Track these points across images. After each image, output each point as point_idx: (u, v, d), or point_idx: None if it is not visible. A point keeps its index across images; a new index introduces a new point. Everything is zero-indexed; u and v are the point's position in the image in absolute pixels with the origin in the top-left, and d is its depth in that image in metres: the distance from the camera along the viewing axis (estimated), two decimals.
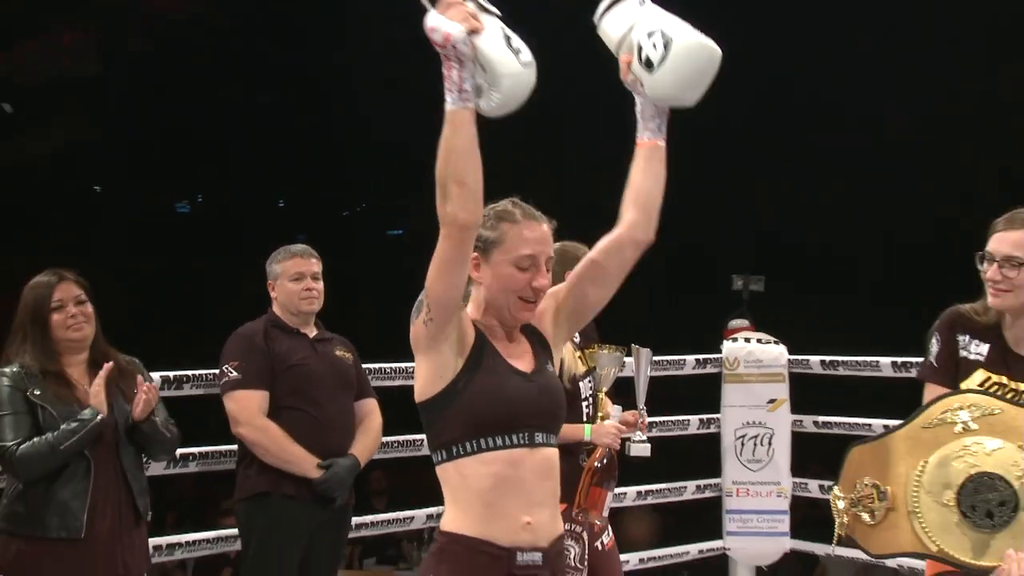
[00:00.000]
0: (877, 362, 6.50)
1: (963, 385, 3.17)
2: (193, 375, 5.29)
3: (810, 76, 14.64)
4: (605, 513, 4.74)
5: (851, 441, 3.07)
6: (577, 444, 4.63)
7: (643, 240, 3.10)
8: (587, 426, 4.68)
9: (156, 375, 4.75)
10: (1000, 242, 3.08)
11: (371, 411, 5.12)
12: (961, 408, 2.94)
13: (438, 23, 2.74)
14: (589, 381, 4.84)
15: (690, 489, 6.88)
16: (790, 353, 6.82)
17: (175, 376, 5.21)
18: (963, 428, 2.92)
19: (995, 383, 3.08)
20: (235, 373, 4.73)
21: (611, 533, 5.01)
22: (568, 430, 4.31)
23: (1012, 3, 12.08)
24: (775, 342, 6.82)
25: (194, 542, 5.63)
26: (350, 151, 17.18)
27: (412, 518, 6.00)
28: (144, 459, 4.47)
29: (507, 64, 2.78)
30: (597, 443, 4.65)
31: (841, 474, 3.00)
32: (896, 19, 14.18)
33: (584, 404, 4.80)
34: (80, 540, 4.10)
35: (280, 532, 4.73)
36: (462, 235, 2.82)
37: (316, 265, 4.97)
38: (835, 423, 6.75)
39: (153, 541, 4.89)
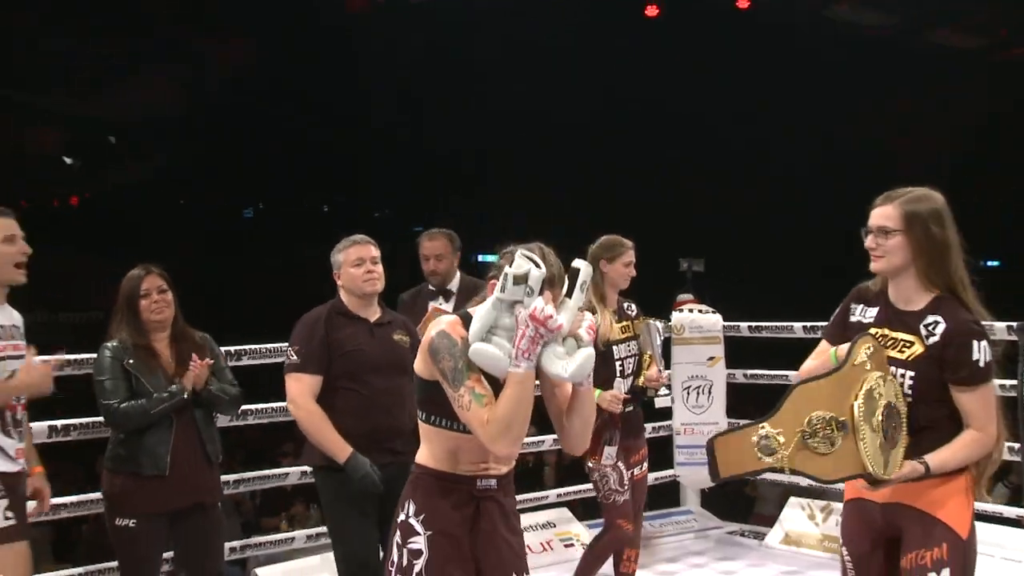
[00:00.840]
0: (791, 326, 6.54)
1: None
2: (250, 349, 5.40)
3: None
4: (606, 460, 4.81)
5: (788, 386, 2.91)
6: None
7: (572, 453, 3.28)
8: (597, 391, 4.47)
9: (223, 348, 4.79)
10: (875, 216, 3.00)
11: None
12: (863, 347, 2.89)
13: (552, 312, 2.72)
14: (627, 346, 4.85)
15: (648, 430, 6.85)
16: (724, 320, 6.85)
17: (236, 350, 5.28)
18: (869, 365, 2.87)
19: (879, 335, 2.99)
20: (295, 357, 4.32)
21: (645, 467, 5.16)
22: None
23: None
24: (713, 312, 6.86)
25: (258, 478, 5.77)
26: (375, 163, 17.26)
27: None
28: (214, 414, 4.57)
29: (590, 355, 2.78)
30: (600, 405, 4.51)
31: (778, 411, 2.80)
32: None
33: (617, 364, 4.81)
34: (165, 476, 4.25)
35: (349, 500, 4.29)
36: (494, 452, 2.86)
37: (375, 250, 4.44)
38: (761, 375, 6.90)
39: (224, 477, 5.02)
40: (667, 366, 5.28)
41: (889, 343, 2.97)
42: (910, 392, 2.93)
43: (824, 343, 3.19)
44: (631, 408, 4.97)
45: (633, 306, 5.04)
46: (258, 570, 5.69)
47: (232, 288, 15.97)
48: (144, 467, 4.21)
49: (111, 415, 4.24)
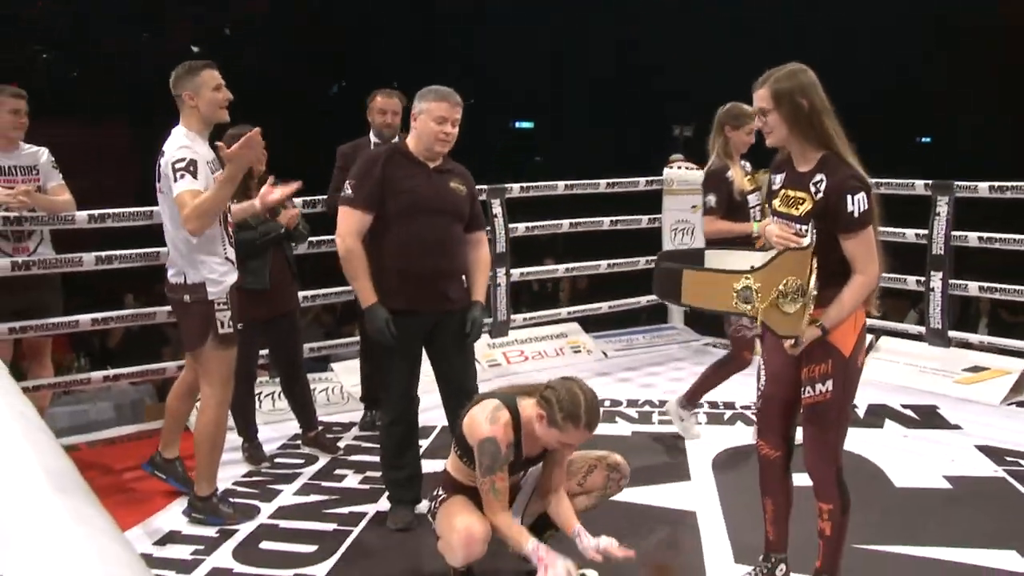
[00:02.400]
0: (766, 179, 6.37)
1: (767, 206, 3.03)
2: (319, 199, 5.31)
3: None
4: None
5: (777, 252, 2.76)
6: (748, 235, 4.38)
7: None
8: (755, 223, 4.41)
9: (302, 198, 4.77)
10: (755, 100, 2.86)
11: (480, 242, 3.84)
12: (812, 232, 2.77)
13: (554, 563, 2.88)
14: (755, 196, 4.54)
15: (641, 262, 6.86)
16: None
17: (311, 199, 5.24)
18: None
19: (784, 195, 2.89)
20: (349, 191, 3.64)
21: None
22: (738, 226, 4.44)
23: None
24: (698, 168, 6.74)
25: (333, 293, 5.83)
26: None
27: None
28: (293, 245, 4.60)
29: None
30: (761, 234, 4.33)
31: (765, 270, 2.70)
32: None
33: (751, 211, 4.53)
34: (265, 290, 4.35)
35: (395, 334, 3.61)
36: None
37: (459, 112, 3.66)
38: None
39: (308, 293, 5.26)
40: None
41: (789, 202, 2.84)
42: None
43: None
44: None
45: (747, 164, 4.67)
46: (334, 364, 5.87)
47: (318, 150, 15.98)
48: (249, 283, 4.24)
49: None
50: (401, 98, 4.85)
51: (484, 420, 2.99)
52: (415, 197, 3.61)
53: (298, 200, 4.75)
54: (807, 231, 2.78)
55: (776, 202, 2.92)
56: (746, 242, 4.29)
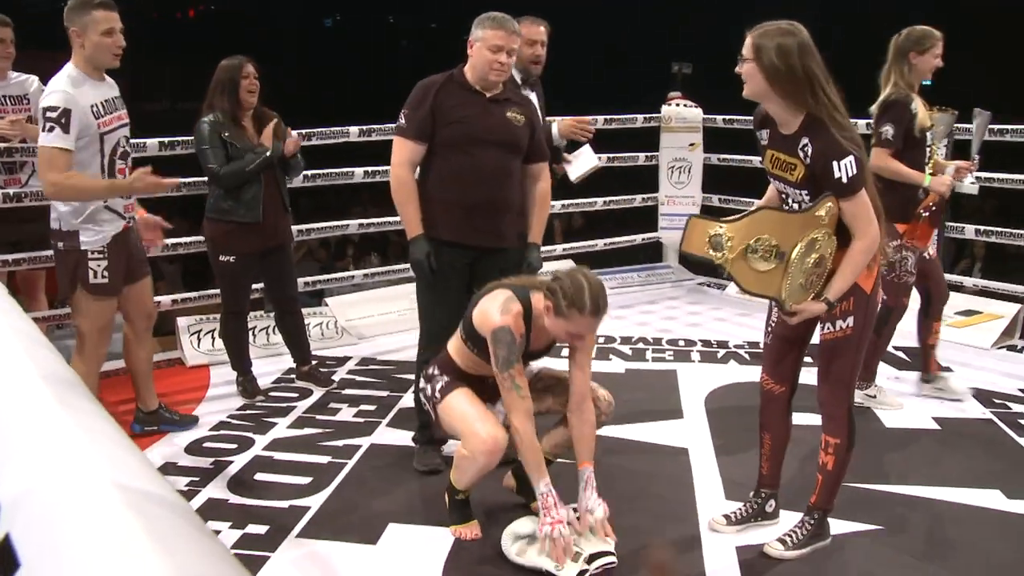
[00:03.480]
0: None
1: (763, 166, 2.91)
2: (317, 132, 5.32)
3: None
4: (931, 244, 4.23)
5: (756, 206, 2.81)
6: (918, 185, 4.03)
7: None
8: (927, 176, 4.03)
9: (294, 132, 4.56)
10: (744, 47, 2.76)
11: (539, 173, 3.66)
12: (827, 204, 2.69)
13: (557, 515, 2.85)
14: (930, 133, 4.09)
15: (638, 200, 6.84)
16: (704, 113, 6.69)
17: (306, 132, 5.18)
18: (825, 220, 2.69)
19: (773, 157, 2.83)
20: (402, 120, 3.48)
21: (932, 254, 4.36)
22: (913, 174, 4.02)
23: None
24: (695, 106, 6.71)
25: (328, 227, 5.75)
26: None
27: None
28: (287, 176, 4.54)
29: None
30: (932, 190, 4.03)
31: (738, 221, 2.68)
32: None
33: (928, 150, 4.10)
34: (258, 223, 4.30)
35: (435, 267, 3.50)
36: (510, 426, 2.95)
37: (516, 41, 3.48)
38: (730, 159, 6.71)
39: (303, 226, 5.24)
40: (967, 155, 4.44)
41: (782, 165, 2.77)
42: (808, 201, 2.74)
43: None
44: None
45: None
46: (328, 299, 5.87)
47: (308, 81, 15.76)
48: (242, 216, 4.25)
49: (216, 176, 4.23)
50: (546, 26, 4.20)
51: (496, 310, 2.93)
52: (467, 127, 3.44)
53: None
54: (804, 198, 2.73)
55: (767, 163, 2.86)
56: (912, 189, 4.02)
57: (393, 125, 3.68)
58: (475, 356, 3.07)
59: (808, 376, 3.06)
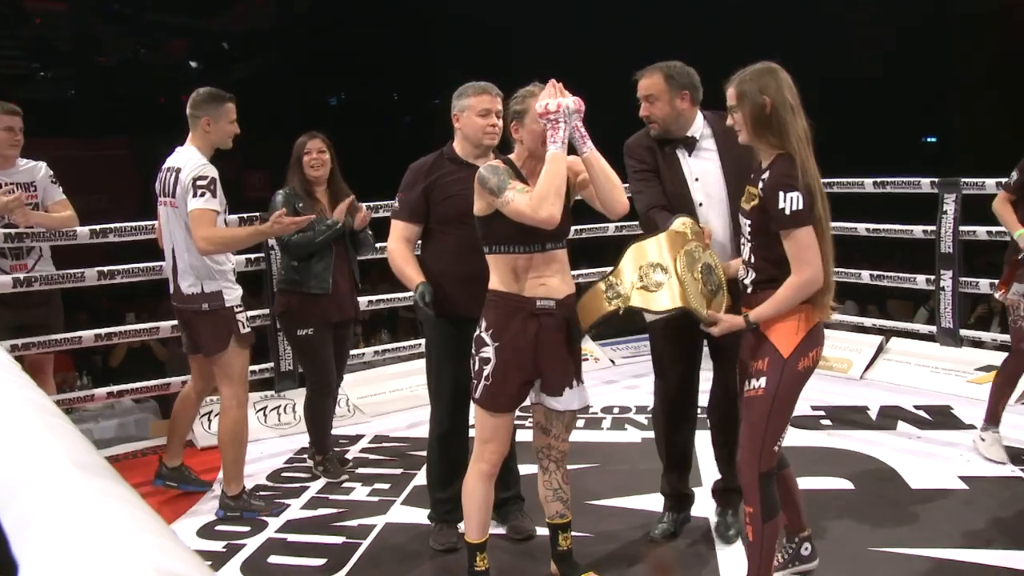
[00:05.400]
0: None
1: None
2: (382, 204, 5.25)
3: None
4: (1013, 293, 4.18)
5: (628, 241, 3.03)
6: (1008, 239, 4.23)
7: (605, 214, 3.11)
8: (1020, 231, 4.11)
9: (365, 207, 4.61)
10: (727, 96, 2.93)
11: None
12: (683, 219, 3.07)
13: (550, 100, 2.86)
14: None
15: None
16: None
17: (374, 204, 5.21)
18: (689, 235, 3.00)
19: (747, 191, 2.94)
20: (396, 203, 3.62)
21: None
22: (1010, 221, 4.17)
23: None
24: None
25: (387, 299, 5.94)
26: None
27: None
28: (357, 252, 4.62)
29: None
30: (1018, 242, 4.11)
31: (617, 267, 2.93)
32: None
33: None
34: (327, 294, 4.38)
35: (445, 344, 3.57)
36: (534, 221, 2.85)
37: (500, 103, 3.46)
38: None
39: (362, 299, 5.22)
40: None
41: (747, 196, 2.89)
42: (749, 237, 2.87)
43: None
44: None
45: None
46: None
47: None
48: (312, 287, 4.34)
49: (285, 245, 4.36)
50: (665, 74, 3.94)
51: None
52: (460, 202, 3.37)
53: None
54: (747, 229, 2.90)
55: (742, 198, 2.95)
56: (1015, 248, 4.13)
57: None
58: (508, 255, 2.99)
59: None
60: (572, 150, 2.96)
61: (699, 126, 3.44)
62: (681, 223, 3.02)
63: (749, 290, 2.91)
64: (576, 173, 3.06)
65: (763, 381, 2.81)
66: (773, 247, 2.79)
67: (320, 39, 17.51)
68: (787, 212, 2.71)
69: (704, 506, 3.86)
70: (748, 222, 2.87)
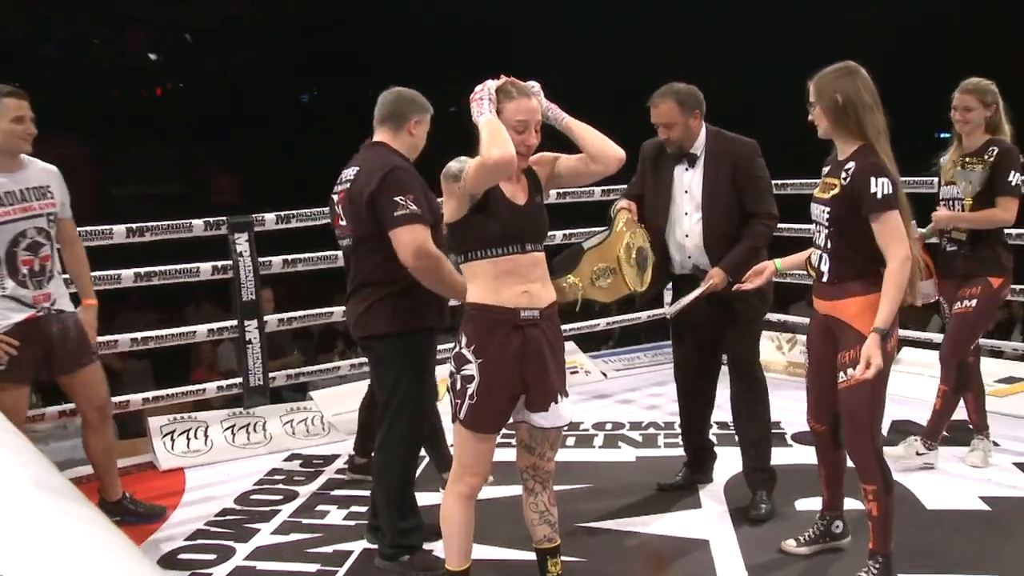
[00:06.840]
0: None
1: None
2: (298, 213, 5.21)
3: None
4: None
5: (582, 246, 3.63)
6: None
7: (604, 174, 3.11)
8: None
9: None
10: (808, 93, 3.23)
11: None
12: (621, 218, 3.79)
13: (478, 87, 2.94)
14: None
15: None
16: None
17: (285, 214, 5.15)
18: (625, 229, 3.73)
19: (823, 183, 3.28)
20: (414, 207, 3.31)
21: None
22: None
23: None
24: None
25: (310, 315, 5.68)
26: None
27: None
28: None
29: None
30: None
31: (578, 268, 3.52)
32: None
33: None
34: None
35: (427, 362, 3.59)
36: (494, 167, 2.78)
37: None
38: None
39: (285, 315, 5.33)
40: None
41: (825, 187, 3.19)
42: (827, 222, 3.16)
43: None
44: None
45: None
46: (312, 392, 5.76)
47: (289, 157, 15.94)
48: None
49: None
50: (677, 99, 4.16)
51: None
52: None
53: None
54: (824, 218, 3.19)
55: (816, 190, 3.26)
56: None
57: None
58: (485, 260, 2.90)
59: None
60: (543, 146, 3.04)
61: (700, 143, 3.94)
62: (624, 223, 3.72)
63: (825, 278, 3.19)
64: (546, 169, 3.07)
65: (860, 367, 3.03)
66: (853, 234, 3.09)
67: (319, 39, 17.44)
68: (879, 196, 3.01)
69: (708, 524, 3.74)
70: (827, 209, 3.15)
